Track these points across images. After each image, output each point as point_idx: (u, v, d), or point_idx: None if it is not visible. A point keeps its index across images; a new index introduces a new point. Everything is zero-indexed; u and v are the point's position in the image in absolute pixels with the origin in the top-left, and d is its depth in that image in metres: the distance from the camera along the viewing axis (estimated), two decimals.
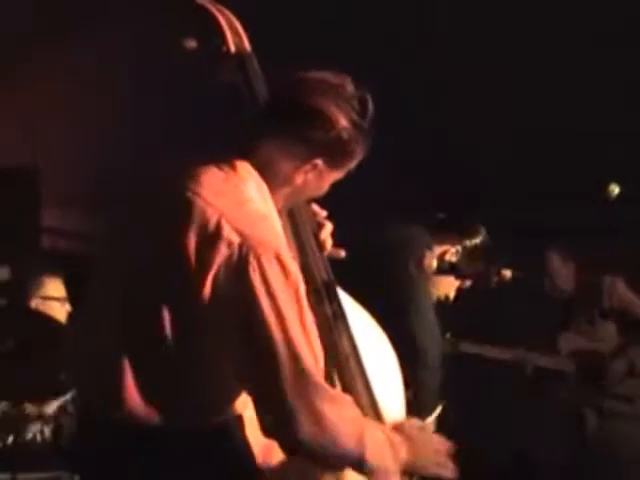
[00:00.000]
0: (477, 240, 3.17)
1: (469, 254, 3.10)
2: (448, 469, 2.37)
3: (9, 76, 5.05)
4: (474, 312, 4.76)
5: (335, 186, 2.32)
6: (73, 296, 4.20)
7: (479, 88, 5.23)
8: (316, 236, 2.49)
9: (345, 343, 2.48)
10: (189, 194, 2.09)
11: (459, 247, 3.08)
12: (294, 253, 2.49)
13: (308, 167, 2.20)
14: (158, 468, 2.13)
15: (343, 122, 2.18)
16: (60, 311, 4.18)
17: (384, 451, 2.20)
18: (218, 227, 2.05)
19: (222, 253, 2.03)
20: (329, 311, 2.47)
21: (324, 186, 2.30)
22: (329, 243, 2.51)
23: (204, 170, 2.14)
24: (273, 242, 2.09)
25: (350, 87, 2.21)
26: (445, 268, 2.54)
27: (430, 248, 3.01)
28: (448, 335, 4.28)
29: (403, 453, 2.24)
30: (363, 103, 2.21)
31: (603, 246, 5.12)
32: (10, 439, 3.76)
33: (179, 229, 2.06)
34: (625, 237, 5.00)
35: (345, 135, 2.18)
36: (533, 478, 4.86)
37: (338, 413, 2.12)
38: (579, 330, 4.70)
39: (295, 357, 2.06)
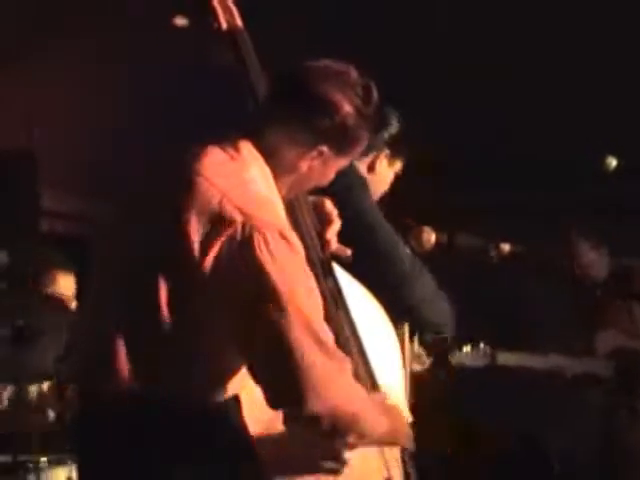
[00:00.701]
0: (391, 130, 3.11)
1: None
2: (408, 438, 2.45)
3: (7, 60, 5.03)
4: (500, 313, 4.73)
5: None
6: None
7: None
8: (319, 233, 2.50)
9: (343, 321, 2.49)
10: (192, 174, 2.09)
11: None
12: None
13: (314, 154, 2.20)
14: (156, 449, 2.12)
15: (348, 109, 2.18)
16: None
17: (381, 425, 2.25)
18: (220, 206, 2.05)
19: (225, 232, 2.03)
20: (325, 288, 2.47)
21: (329, 174, 2.30)
22: (334, 241, 2.51)
23: (208, 151, 2.15)
24: (276, 221, 2.10)
25: (354, 74, 2.22)
26: (444, 241, 2.52)
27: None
28: (482, 345, 4.21)
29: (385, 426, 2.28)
30: (367, 90, 2.22)
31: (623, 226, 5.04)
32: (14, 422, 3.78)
33: (181, 209, 2.06)
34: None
35: (350, 122, 2.19)
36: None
37: (351, 383, 2.16)
38: (617, 326, 4.53)
39: (308, 326, 2.06)
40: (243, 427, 2.20)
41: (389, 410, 2.35)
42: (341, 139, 2.21)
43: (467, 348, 4.17)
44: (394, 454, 2.61)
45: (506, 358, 4.27)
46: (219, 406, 2.16)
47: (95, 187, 4.79)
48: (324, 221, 2.50)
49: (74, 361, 2.37)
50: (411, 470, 2.67)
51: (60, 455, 3.62)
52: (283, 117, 2.19)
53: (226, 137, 2.19)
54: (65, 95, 5.21)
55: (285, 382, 2.07)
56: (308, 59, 2.23)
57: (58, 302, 4.02)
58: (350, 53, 2.27)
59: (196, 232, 2.04)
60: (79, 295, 4.11)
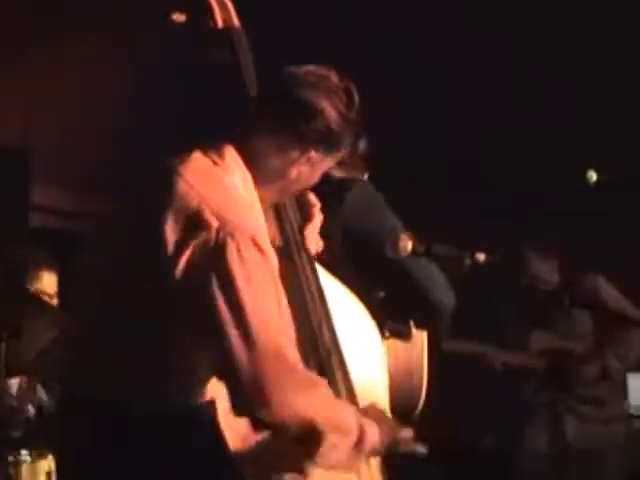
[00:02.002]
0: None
1: None
2: (413, 441, 2.42)
3: (4, 56, 5.04)
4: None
5: None
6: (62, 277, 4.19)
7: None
8: (301, 230, 2.50)
9: (322, 319, 2.48)
10: (173, 176, 2.11)
11: None
12: (276, 232, 2.50)
13: (303, 160, 2.23)
14: (131, 450, 2.13)
15: (332, 113, 2.21)
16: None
17: (349, 437, 2.21)
18: (198, 210, 2.07)
19: (200, 235, 2.05)
20: (308, 287, 2.48)
21: (317, 176, 2.32)
22: (312, 238, 2.52)
23: (192, 156, 2.17)
24: (251, 227, 2.11)
25: (335, 78, 2.24)
26: (420, 251, 2.52)
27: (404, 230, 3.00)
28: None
29: (375, 436, 2.26)
30: (349, 94, 2.24)
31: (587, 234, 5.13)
32: None
33: (159, 208, 2.08)
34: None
35: (335, 126, 2.21)
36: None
37: (312, 396, 2.14)
38: (553, 328, 4.63)
39: (271, 336, 2.07)
40: (218, 430, 2.19)
41: (379, 420, 2.33)
42: (327, 143, 2.23)
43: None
44: (372, 472, 2.58)
45: (447, 345, 4.28)
46: (194, 409, 2.16)
47: (89, 184, 4.80)
48: (306, 216, 2.51)
49: (57, 359, 2.37)
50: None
51: (40, 449, 3.61)
52: (269, 123, 2.21)
53: (211, 142, 2.21)
54: (62, 91, 5.21)
55: (247, 390, 2.07)
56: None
57: (41, 300, 4.01)
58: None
59: (172, 232, 2.05)
60: (61, 292, 4.11)
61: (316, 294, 2.47)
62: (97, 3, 4.93)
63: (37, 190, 5.13)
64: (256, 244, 2.08)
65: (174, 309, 2.08)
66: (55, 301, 4.06)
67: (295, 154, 2.22)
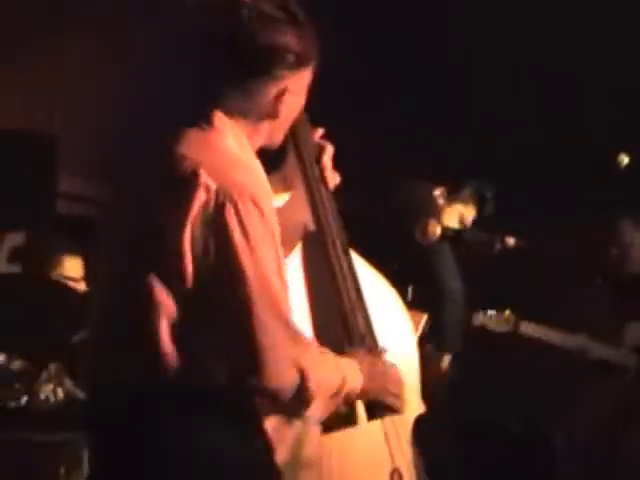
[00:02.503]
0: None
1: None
2: (401, 401, 2.45)
3: (29, 43, 5.06)
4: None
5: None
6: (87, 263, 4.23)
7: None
8: (322, 171, 2.53)
9: (356, 306, 2.51)
10: (165, 153, 2.14)
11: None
12: (309, 217, 2.54)
13: (281, 98, 2.22)
14: (168, 431, 2.14)
15: (291, 41, 2.19)
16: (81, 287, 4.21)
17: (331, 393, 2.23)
18: (195, 175, 2.08)
19: (199, 199, 2.07)
20: (341, 274, 2.50)
21: (304, 97, 2.32)
22: (329, 166, 2.55)
23: (180, 130, 2.18)
24: (250, 187, 2.11)
25: (268, 6, 2.21)
26: (450, 234, 2.55)
27: (435, 215, 3.03)
28: (507, 312, 4.14)
29: (357, 377, 2.28)
30: (287, 10, 2.22)
31: None
32: (24, 399, 3.79)
33: (158, 187, 2.12)
34: None
35: (299, 50, 2.21)
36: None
37: (310, 358, 2.15)
38: None
39: (269, 299, 2.08)
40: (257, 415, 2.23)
41: (370, 365, 2.36)
42: (298, 66, 2.22)
43: (491, 312, 4.14)
44: (401, 444, 2.63)
45: (530, 328, 4.23)
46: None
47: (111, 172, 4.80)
48: (320, 151, 2.55)
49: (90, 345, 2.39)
50: (419, 463, 2.70)
51: (72, 434, 3.65)
52: (239, 79, 2.20)
53: (196, 111, 2.21)
54: (86, 80, 5.24)
55: (245, 355, 2.09)
56: None
57: (63, 286, 4.05)
58: None
59: (171, 204, 2.08)
60: (88, 277, 4.15)
61: (350, 280, 2.50)
62: None
63: (62, 178, 5.15)
64: (256, 205, 2.09)
65: (186, 280, 2.09)
66: (82, 285, 4.10)
67: (273, 91, 2.21)
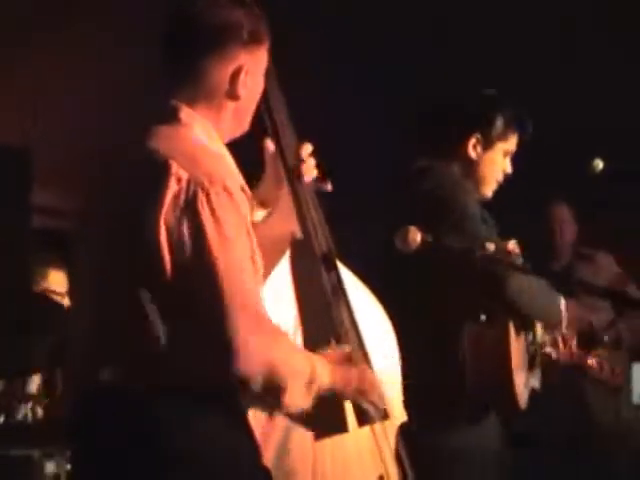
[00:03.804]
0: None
1: None
2: (378, 408, 2.44)
3: (4, 57, 5.03)
4: None
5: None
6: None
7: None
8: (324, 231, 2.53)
9: (344, 315, 2.52)
10: (137, 151, 2.16)
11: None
12: (297, 226, 2.54)
13: (238, 77, 2.24)
14: (156, 429, 2.13)
15: (242, 18, 2.23)
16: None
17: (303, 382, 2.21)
18: (166, 166, 2.09)
19: (172, 189, 2.08)
20: (329, 282, 2.51)
21: (260, 83, 2.33)
22: (311, 164, 2.55)
23: (155, 127, 2.19)
24: (221, 175, 2.12)
25: None
26: (429, 240, 2.54)
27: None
28: None
29: (325, 373, 2.26)
30: None
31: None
32: (2, 418, 3.77)
33: (131, 178, 2.14)
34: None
35: (250, 26, 2.24)
36: None
37: (282, 348, 2.15)
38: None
39: (240, 288, 2.08)
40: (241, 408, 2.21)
41: (348, 367, 2.36)
42: (250, 45, 2.25)
43: None
44: (388, 452, 2.62)
45: None
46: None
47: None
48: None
49: (72, 354, 2.38)
50: (407, 466, 2.69)
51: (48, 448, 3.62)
52: (196, 59, 2.23)
53: (161, 108, 2.23)
54: (63, 91, 5.21)
55: (212, 344, 2.08)
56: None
57: (49, 299, 4.02)
58: None
59: (145, 197, 2.09)
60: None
61: (335, 282, 2.52)
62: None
63: (36, 191, 5.12)
64: (228, 193, 2.10)
65: (165, 271, 2.08)
66: (66, 300, 4.07)
67: (229, 70, 2.23)
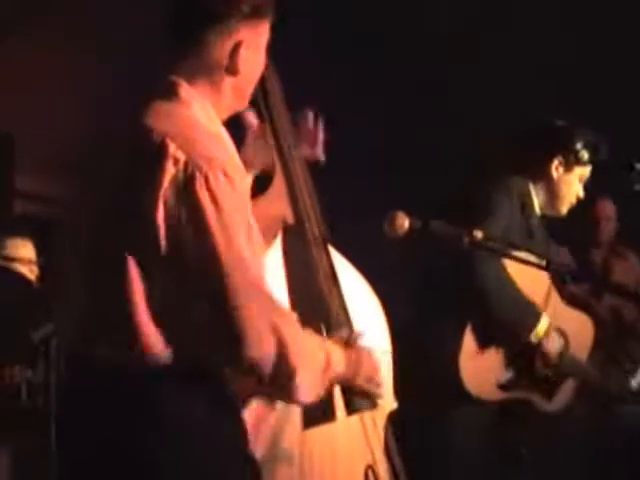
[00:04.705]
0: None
1: None
2: (378, 388, 2.41)
3: None
4: None
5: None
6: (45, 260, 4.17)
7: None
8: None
9: (336, 300, 2.50)
10: (134, 128, 2.12)
11: None
12: (289, 210, 2.52)
13: (238, 51, 2.20)
14: (145, 409, 2.10)
15: None
16: (30, 273, 4.15)
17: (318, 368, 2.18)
18: (163, 146, 2.06)
19: (169, 172, 2.05)
20: (321, 266, 2.49)
21: (260, 58, 2.29)
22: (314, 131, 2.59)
23: (152, 104, 2.16)
24: (219, 158, 2.09)
25: None
26: (417, 227, 2.54)
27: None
28: None
29: (340, 365, 2.24)
30: None
31: None
32: None
33: (129, 163, 2.10)
34: None
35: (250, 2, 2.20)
36: None
37: (291, 331, 2.11)
38: None
39: (242, 269, 2.05)
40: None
41: (353, 352, 2.33)
42: (251, 19, 2.21)
43: None
44: (377, 440, 2.61)
45: None
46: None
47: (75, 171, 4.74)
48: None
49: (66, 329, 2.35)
50: (395, 456, 2.69)
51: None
52: (195, 32, 2.20)
53: (161, 85, 2.20)
54: (47, 78, 5.18)
55: (221, 328, 2.06)
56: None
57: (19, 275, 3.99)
58: None
59: (142, 176, 2.06)
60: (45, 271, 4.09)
61: (327, 267, 2.51)
62: None
63: (19, 176, 5.09)
64: (226, 175, 2.07)
65: (159, 254, 2.06)
66: (34, 268, 4.04)
67: (229, 43, 2.19)
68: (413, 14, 5.44)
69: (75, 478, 2.19)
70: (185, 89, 2.19)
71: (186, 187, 2.05)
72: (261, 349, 2.05)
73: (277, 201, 2.54)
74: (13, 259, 4.08)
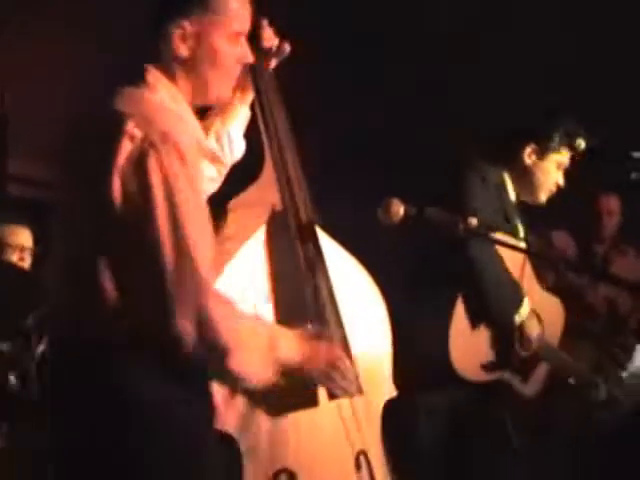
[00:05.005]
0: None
1: None
2: (336, 385, 2.40)
3: None
4: None
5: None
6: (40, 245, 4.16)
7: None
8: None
9: (322, 290, 2.49)
10: (106, 108, 2.18)
11: None
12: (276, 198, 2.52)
13: (185, 39, 2.25)
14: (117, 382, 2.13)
15: None
16: (26, 260, 4.15)
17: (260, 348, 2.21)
18: (122, 124, 2.12)
19: (125, 148, 2.11)
20: (305, 256, 2.48)
21: (221, 47, 2.30)
22: (269, 33, 2.60)
23: (122, 89, 2.23)
24: (175, 134, 2.14)
25: None
26: (412, 214, 2.54)
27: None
28: None
29: (293, 347, 2.27)
30: None
31: None
32: None
33: (94, 140, 2.16)
34: None
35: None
36: None
37: (222, 312, 2.13)
38: None
39: (185, 251, 2.09)
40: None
41: (309, 342, 2.33)
42: (199, 11, 2.26)
43: None
44: (370, 427, 2.61)
45: None
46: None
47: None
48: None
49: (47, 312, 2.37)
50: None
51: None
52: (160, 30, 2.27)
53: (134, 71, 2.27)
54: (38, 61, 5.16)
55: (157, 306, 2.09)
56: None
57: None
58: None
59: (102, 155, 2.11)
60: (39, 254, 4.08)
61: (311, 255, 2.50)
62: None
63: (12, 160, 5.08)
64: (178, 151, 2.11)
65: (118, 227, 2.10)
66: (25, 256, 4.03)
67: (177, 33, 2.25)
68: (413, 14, 5.43)
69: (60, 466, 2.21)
70: (153, 74, 2.27)
71: (139, 162, 2.10)
72: (181, 328, 2.07)
73: (267, 188, 2.56)
74: (17, 246, 4.09)
